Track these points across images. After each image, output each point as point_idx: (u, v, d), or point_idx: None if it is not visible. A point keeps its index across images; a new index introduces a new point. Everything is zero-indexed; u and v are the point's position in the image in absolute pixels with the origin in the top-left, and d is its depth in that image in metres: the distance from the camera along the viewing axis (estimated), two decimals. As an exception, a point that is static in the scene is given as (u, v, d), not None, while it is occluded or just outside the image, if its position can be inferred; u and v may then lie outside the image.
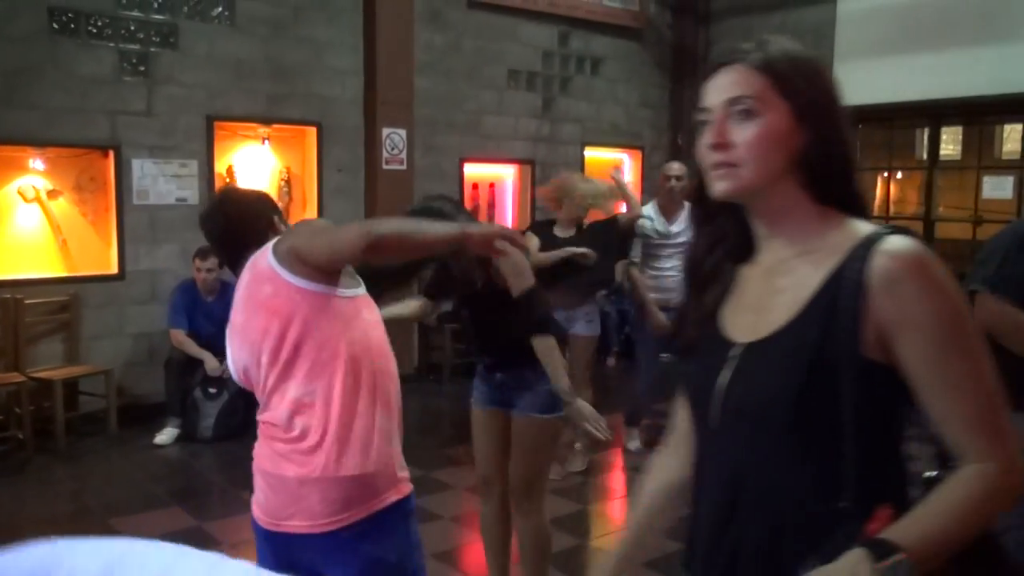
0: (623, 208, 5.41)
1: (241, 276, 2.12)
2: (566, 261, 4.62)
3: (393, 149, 6.90)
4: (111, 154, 5.88)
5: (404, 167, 6.98)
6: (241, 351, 2.09)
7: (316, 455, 1.96)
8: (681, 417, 1.42)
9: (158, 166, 6.06)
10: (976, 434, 1.13)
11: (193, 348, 5.61)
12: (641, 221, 5.15)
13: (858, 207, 1.24)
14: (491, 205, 8.26)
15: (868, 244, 1.15)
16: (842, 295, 1.14)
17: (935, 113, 7.48)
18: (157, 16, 5.98)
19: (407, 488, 2.07)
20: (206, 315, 5.70)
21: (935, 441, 1.16)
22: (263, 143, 6.62)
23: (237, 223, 2.22)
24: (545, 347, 2.77)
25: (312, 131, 6.73)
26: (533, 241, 4.68)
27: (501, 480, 3.18)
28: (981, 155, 7.83)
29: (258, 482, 2.10)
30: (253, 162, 6.63)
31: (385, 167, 6.87)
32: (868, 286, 1.12)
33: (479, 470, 3.26)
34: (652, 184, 8.89)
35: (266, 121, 6.54)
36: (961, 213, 7.59)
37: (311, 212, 6.73)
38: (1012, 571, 1.26)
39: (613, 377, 7.54)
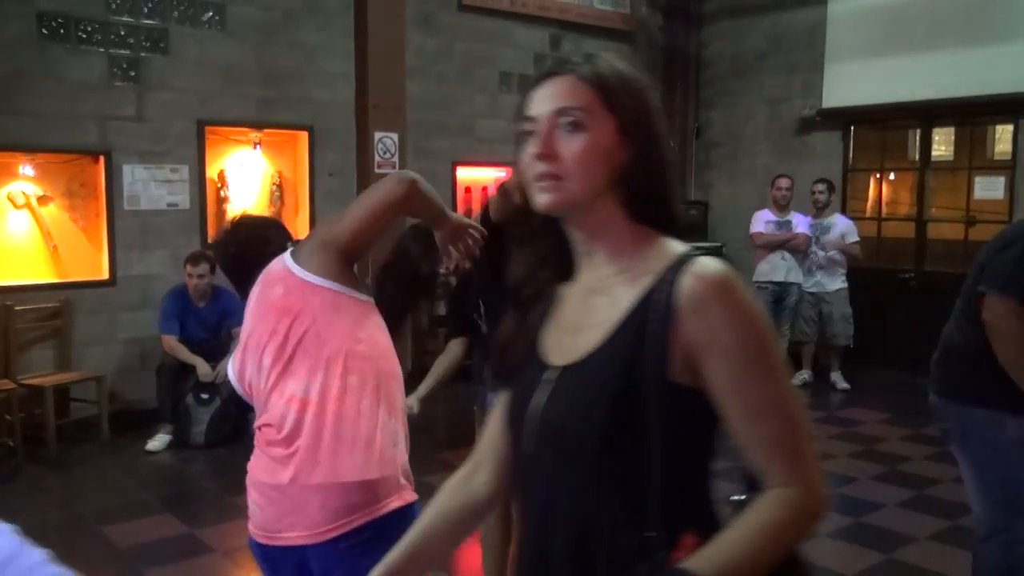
0: None
1: (251, 294, 2.12)
2: None
3: (385, 153, 6.89)
4: (101, 160, 5.86)
5: (396, 170, 6.96)
6: (247, 362, 2.07)
7: (313, 454, 1.90)
8: (486, 441, 1.38)
9: (149, 171, 6.03)
10: (778, 459, 1.12)
11: (185, 354, 5.58)
12: None
13: (674, 229, 1.23)
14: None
15: (678, 266, 1.14)
16: (651, 317, 1.13)
17: (927, 114, 7.50)
18: (147, 21, 5.96)
19: (411, 496, 1.98)
20: (198, 321, 5.68)
21: (742, 464, 1.15)
22: (255, 148, 6.60)
23: (250, 248, 2.24)
24: None
25: (304, 135, 6.71)
26: None
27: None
28: (972, 156, 7.84)
29: (252, 496, 2.03)
30: (245, 167, 6.61)
31: (377, 171, 6.85)
32: (676, 308, 1.11)
33: None
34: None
35: (257, 126, 6.52)
36: (953, 214, 7.60)
37: (303, 217, 6.71)
38: None
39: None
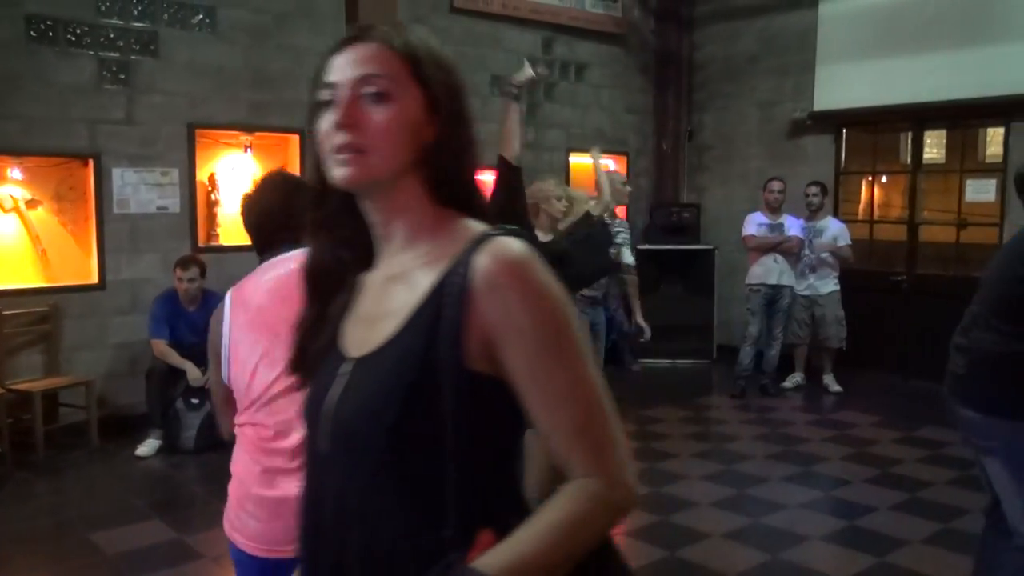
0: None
1: (276, 266, 2.03)
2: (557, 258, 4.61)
3: (377, 156, 6.86)
4: (91, 163, 5.82)
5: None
6: (257, 344, 1.98)
7: None
8: None
9: (139, 175, 6.00)
10: (579, 448, 1.06)
11: (175, 358, 5.55)
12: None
13: (477, 212, 1.17)
14: (476, 212, 8.23)
15: (474, 246, 1.08)
16: (446, 302, 1.06)
17: (918, 117, 7.51)
18: (137, 24, 5.93)
19: None
20: (188, 325, 5.64)
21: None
22: (245, 151, 6.58)
23: (270, 219, 2.12)
24: None
25: (295, 139, 6.69)
26: None
27: None
28: (964, 159, 7.86)
29: (247, 508, 1.98)
30: (235, 170, 6.58)
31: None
32: (471, 291, 1.05)
33: None
34: (636, 189, 8.90)
35: (248, 129, 6.50)
36: (945, 216, 7.61)
37: (294, 220, 6.68)
38: None
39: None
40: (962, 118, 7.50)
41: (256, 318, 2.01)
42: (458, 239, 1.11)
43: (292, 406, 1.80)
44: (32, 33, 5.55)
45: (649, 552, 3.99)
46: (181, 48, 6.11)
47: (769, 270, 7.05)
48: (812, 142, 8.16)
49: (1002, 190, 6.86)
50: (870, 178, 8.41)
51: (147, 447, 5.46)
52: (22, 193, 5.73)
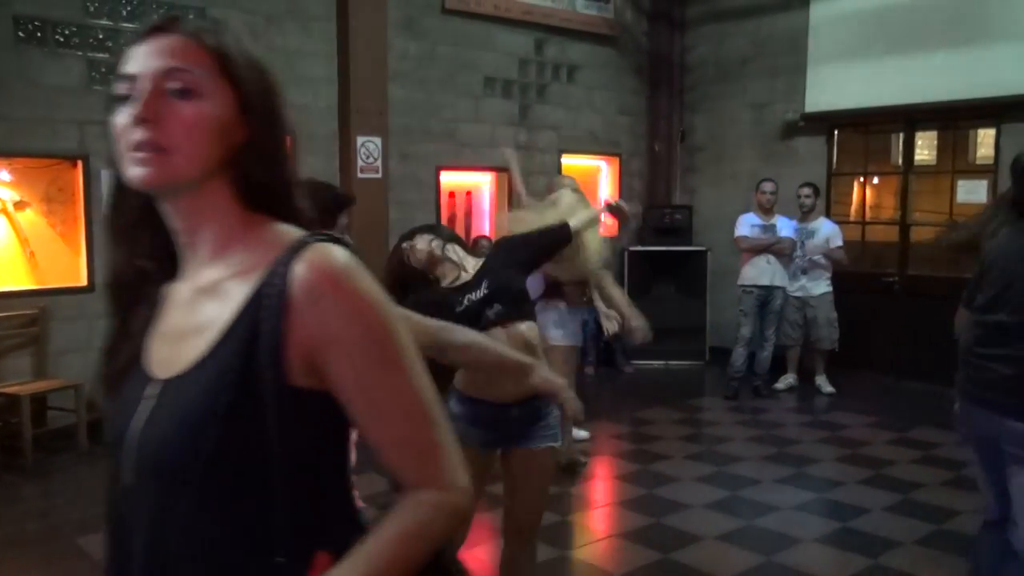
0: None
1: None
2: None
3: (368, 158, 6.84)
4: (80, 164, 5.78)
5: (379, 175, 6.92)
6: None
7: None
8: None
9: (128, 176, 5.95)
10: (410, 459, 1.05)
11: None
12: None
13: (294, 218, 1.10)
14: (468, 213, 8.22)
15: (291, 254, 1.01)
16: (264, 316, 0.99)
17: (909, 118, 7.53)
18: (127, 24, 5.90)
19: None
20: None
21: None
22: (236, 152, 6.54)
23: None
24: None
25: (286, 140, 6.64)
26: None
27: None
28: (955, 160, 7.88)
29: None
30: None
31: (360, 176, 6.80)
32: (290, 302, 0.99)
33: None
34: (628, 190, 8.90)
35: (239, 130, 6.46)
36: (936, 217, 7.63)
37: (285, 222, 6.65)
38: None
39: (591, 386, 7.49)
40: (953, 119, 7.51)
41: None
42: (273, 247, 1.04)
43: None
44: (20, 34, 5.50)
45: (642, 555, 3.98)
46: (171, 49, 6.07)
47: (761, 271, 7.05)
48: (804, 143, 8.17)
49: (993, 191, 6.87)
50: (862, 179, 8.43)
51: (137, 450, 5.41)
52: (10, 195, 5.68)
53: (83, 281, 5.85)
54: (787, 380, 7.39)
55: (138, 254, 1.12)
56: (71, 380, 5.60)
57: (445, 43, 7.51)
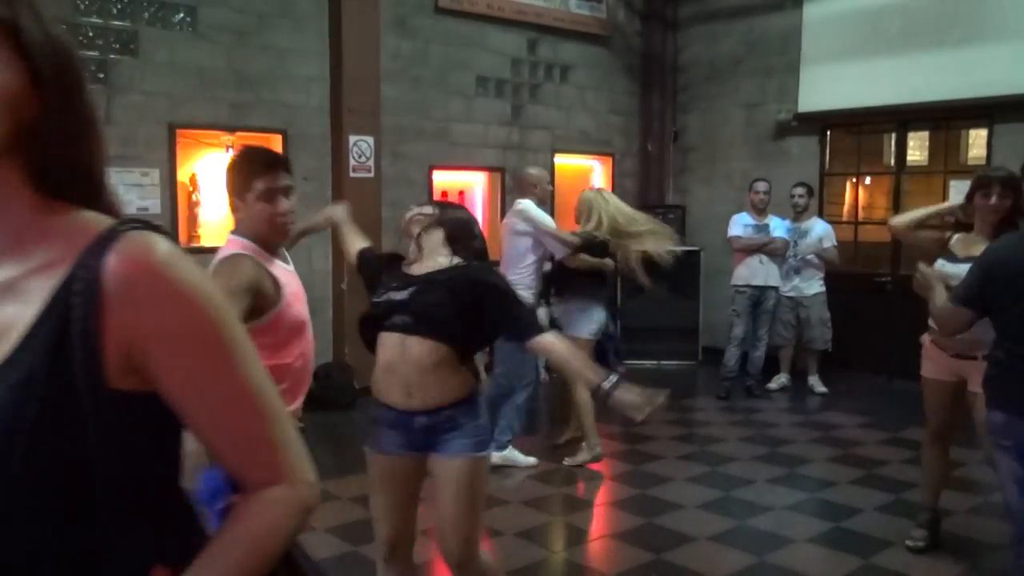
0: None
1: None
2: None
3: (360, 157, 6.82)
4: (69, 163, 5.74)
5: (371, 175, 6.89)
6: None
7: None
8: None
9: (118, 175, 5.92)
10: (251, 457, 0.99)
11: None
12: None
13: (101, 204, 1.00)
14: (461, 213, 8.18)
15: (102, 244, 0.91)
16: (73, 314, 0.89)
17: (902, 118, 7.54)
18: (116, 22, 5.86)
19: None
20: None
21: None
22: (227, 151, 6.50)
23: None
24: (550, 344, 2.58)
25: (277, 139, 6.62)
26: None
27: (410, 539, 2.83)
28: (947, 160, 7.89)
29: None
30: (217, 171, 6.51)
31: (352, 175, 6.78)
32: (103, 298, 0.89)
33: (384, 532, 2.76)
34: (621, 190, 8.90)
35: (230, 129, 6.43)
36: (928, 218, 7.63)
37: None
38: None
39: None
40: (945, 119, 7.52)
41: None
42: (79, 238, 0.93)
43: None
44: (9, 31, 5.46)
45: (634, 555, 3.96)
46: (161, 47, 6.04)
47: (754, 271, 7.04)
48: (797, 143, 8.17)
49: (985, 191, 6.87)
50: (854, 179, 8.43)
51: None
52: (-1, 194, 5.64)
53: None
54: (780, 380, 7.39)
55: None
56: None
57: (438, 42, 7.50)
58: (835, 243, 7.17)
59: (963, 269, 3.27)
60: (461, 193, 8.17)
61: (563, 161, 8.57)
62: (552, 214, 5.46)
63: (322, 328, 6.39)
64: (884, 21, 7.39)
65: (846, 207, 8.48)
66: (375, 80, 6.92)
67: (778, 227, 7.11)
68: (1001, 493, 3.13)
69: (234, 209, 2.53)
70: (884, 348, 7.42)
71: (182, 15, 6.13)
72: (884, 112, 7.51)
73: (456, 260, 2.73)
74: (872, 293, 7.53)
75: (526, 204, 5.19)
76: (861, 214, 8.40)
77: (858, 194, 8.44)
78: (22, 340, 0.89)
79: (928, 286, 3.32)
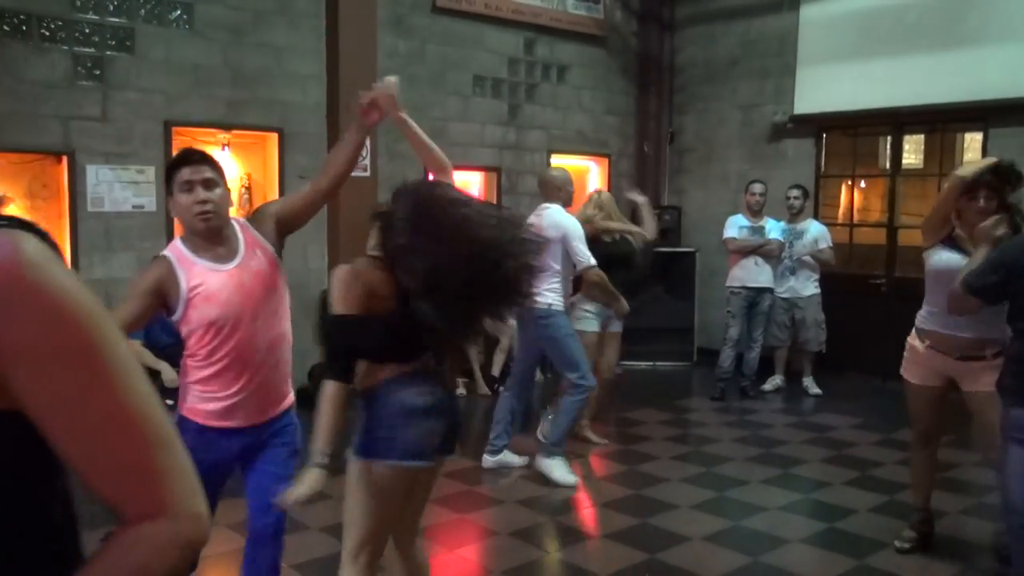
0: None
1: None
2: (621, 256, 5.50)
3: (356, 156, 6.80)
4: (64, 160, 5.73)
5: (367, 174, 6.88)
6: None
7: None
8: None
9: (114, 172, 5.91)
10: (128, 487, 0.88)
11: (149, 359, 5.47)
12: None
13: None
14: (457, 213, 8.18)
15: None
16: None
17: (897, 121, 7.55)
18: (113, 19, 5.85)
19: None
20: (163, 326, 5.54)
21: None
22: (223, 149, 6.50)
23: None
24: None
25: (274, 137, 6.62)
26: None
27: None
28: (942, 163, 7.91)
29: (246, 404, 2.66)
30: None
31: (348, 174, 6.76)
32: None
33: (386, 543, 2.71)
34: (616, 191, 8.89)
35: (226, 127, 6.42)
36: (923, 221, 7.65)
37: (273, 220, 6.61)
38: None
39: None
40: (941, 122, 7.54)
41: None
42: None
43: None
44: (5, 27, 5.45)
45: (629, 555, 3.96)
46: (158, 45, 6.03)
47: (749, 273, 7.05)
48: (792, 145, 8.19)
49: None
50: (850, 182, 8.45)
51: (120, 449, 5.37)
52: (-7, 190, 5.63)
53: (67, 278, 5.80)
54: (774, 381, 7.40)
55: None
56: (54, 378, 5.55)
57: (435, 42, 7.49)
58: (830, 244, 7.19)
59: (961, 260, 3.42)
60: (457, 193, 8.17)
61: (559, 161, 8.57)
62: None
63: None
64: (880, 24, 7.41)
65: (841, 209, 8.50)
66: (372, 79, 6.81)
67: (774, 229, 7.12)
68: (1001, 492, 3.13)
69: (172, 209, 2.71)
70: (878, 350, 7.42)
71: (178, 12, 6.12)
72: (880, 115, 7.53)
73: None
74: (867, 295, 7.55)
75: (554, 210, 5.06)
76: (856, 216, 8.42)
77: (853, 196, 8.46)
78: None
79: (986, 239, 3.33)
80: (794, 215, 7.23)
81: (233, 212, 2.78)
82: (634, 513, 4.50)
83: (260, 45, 6.48)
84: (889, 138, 7.86)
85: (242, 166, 6.67)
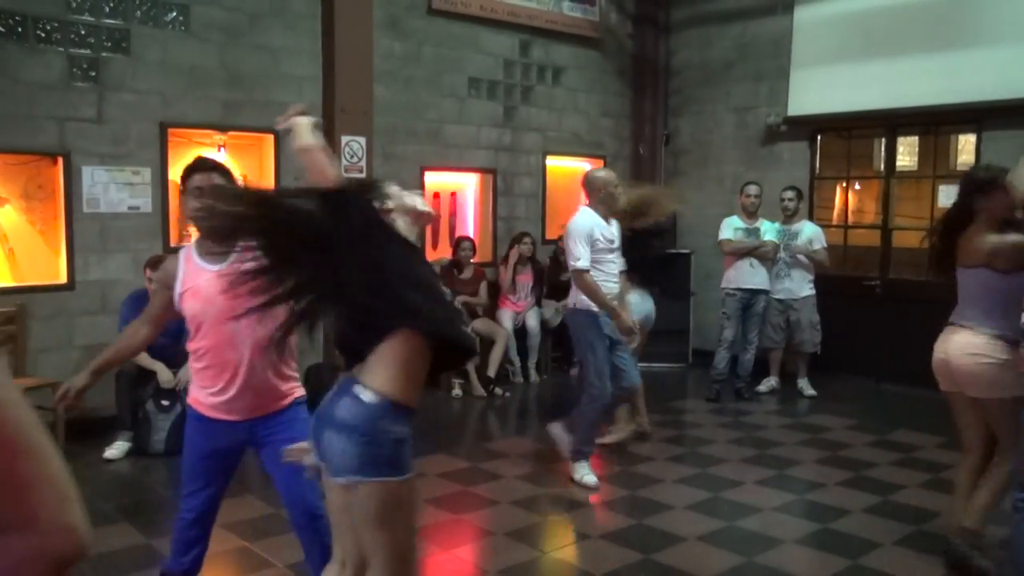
0: None
1: None
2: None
3: (352, 157, 6.82)
4: (60, 161, 5.73)
5: (363, 175, 6.89)
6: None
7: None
8: None
9: (109, 174, 5.91)
10: None
11: (145, 360, 5.45)
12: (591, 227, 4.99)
13: None
14: (452, 214, 8.20)
15: None
16: None
17: (891, 123, 7.58)
18: (109, 21, 5.85)
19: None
20: (158, 326, 5.55)
21: None
22: (219, 150, 6.50)
23: None
24: None
25: (269, 138, 6.63)
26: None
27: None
28: (936, 165, 7.94)
29: (245, 398, 2.77)
30: (208, 170, 6.50)
31: (344, 175, 6.76)
32: None
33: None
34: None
35: (222, 128, 6.43)
36: (917, 222, 7.68)
37: (268, 221, 6.61)
38: None
39: (573, 388, 7.47)
40: (935, 124, 7.57)
41: None
42: None
43: None
44: (1, 29, 5.45)
45: (623, 555, 3.97)
46: (153, 46, 6.03)
47: (744, 274, 7.07)
48: (787, 147, 8.22)
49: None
50: (844, 184, 8.48)
51: (116, 449, 5.37)
52: (-11, 191, 5.63)
53: (62, 279, 5.80)
54: (769, 383, 7.41)
55: None
56: (49, 379, 5.54)
57: (430, 43, 7.51)
58: (825, 245, 7.21)
59: None
60: (453, 194, 8.18)
61: (555, 163, 8.59)
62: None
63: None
64: (874, 26, 7.44)
65: (836, 211, 8.52)
66: (367, 80, 6.92)
67: (769, 230, 7.14)
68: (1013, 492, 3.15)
69: (183, 211, 2.96)
70: (873, 351, 7.47)
71: (174, 14, 6.12)
72: (874, 117, 7.56)
73: None
74: (861, 296, 7.57)
75: (581, 211, 5.00)
76: (851, 218, 8.44)
77: (848, 198, 8.49)
78: None
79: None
80: (789, 217, 7.25)
81: None
82: (629, 513, 4.51)
83: (256, 46, 6.49)
84: (883, 140, 7.88)
85: (238, 167, 6.66)
